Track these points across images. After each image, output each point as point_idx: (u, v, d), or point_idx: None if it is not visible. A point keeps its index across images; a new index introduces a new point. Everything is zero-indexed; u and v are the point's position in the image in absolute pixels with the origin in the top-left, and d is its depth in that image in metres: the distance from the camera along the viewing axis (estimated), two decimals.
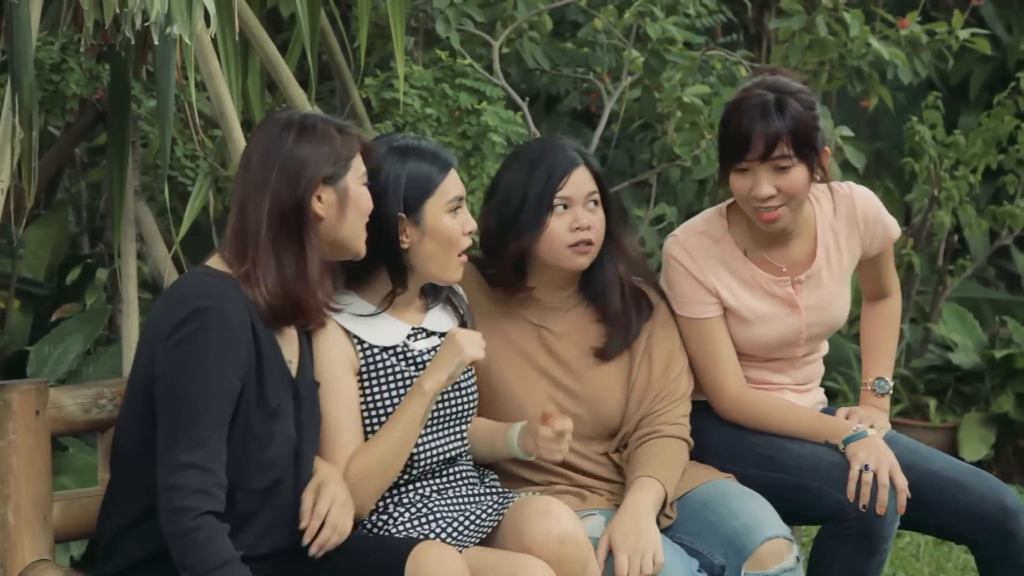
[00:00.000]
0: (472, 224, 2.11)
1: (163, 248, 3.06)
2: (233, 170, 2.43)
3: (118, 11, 1.97)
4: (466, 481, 2.15)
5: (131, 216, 3.01)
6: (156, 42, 2.45)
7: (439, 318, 2.16)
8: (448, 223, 2.03)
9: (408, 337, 2.09)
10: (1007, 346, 4.75)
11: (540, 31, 3.96)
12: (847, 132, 3.79)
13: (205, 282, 1.85)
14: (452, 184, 2.06)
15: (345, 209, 1.90)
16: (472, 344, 1.94)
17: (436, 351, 2.04)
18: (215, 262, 1.89)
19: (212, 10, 2.05)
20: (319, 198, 1.86)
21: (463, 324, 2.15)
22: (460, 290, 2.23)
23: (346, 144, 1.91)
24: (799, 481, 2.31)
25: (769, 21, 4.84)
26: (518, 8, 3.73)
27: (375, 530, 2.03)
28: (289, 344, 1.92)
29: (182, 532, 1.65)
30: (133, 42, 2.45)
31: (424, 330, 2.12)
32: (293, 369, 1.91)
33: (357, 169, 1.92)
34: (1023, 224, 4.62)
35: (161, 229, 3.11)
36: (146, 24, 2.01)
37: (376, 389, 2.05)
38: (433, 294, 2.17)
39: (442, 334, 2.09)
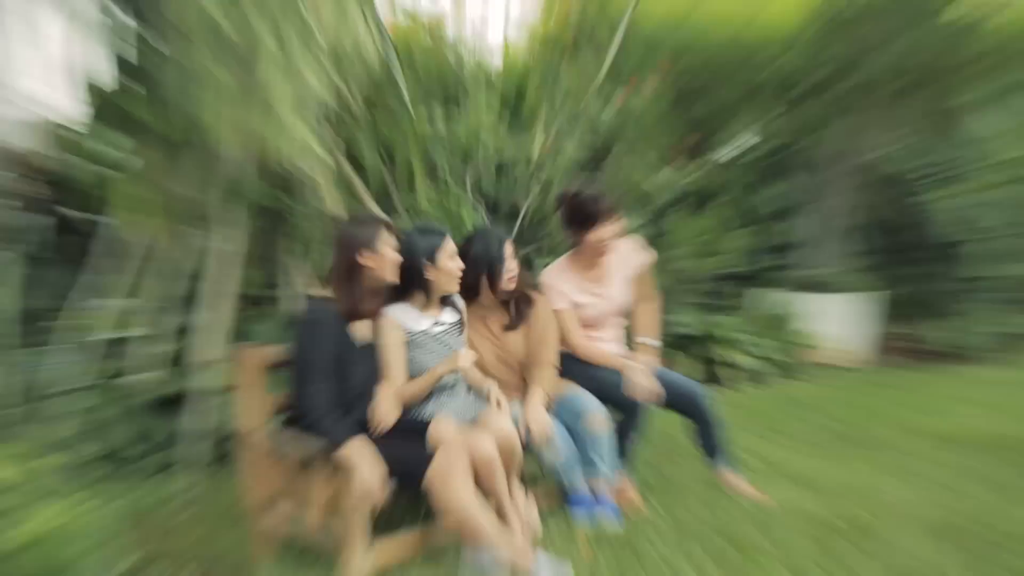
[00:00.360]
0: (461, 265, 3.62)
1: (306, 280, 4.72)
2: None
3: (283, 162, 2.93)
4: (460, 395, 3.68)
5: (290, 263, 4.70)
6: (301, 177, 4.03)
7: (447, 314, 3.69)
8: (449, 264, 3.57)
9: (432, 325, 3.62)
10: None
11: (490, 170, 5.80)
12: None
13: (314, 305, 3.36)
14: (449, 245, 3.58)
15: (379, 261, 3.37)
16: (463, 359, 3.50)
17: (446, 331, 3.63)
18: (325, 292, 3.40)
19: (325, 155, 3.14)
20: (364, 256, 3.34)
21: (460, 317, 3.74)
22: (459, 299, 3.76)
23: (374, 227, 3.38)
24: (606, 386, 3.95)
25: None
26: (481, 155, 5.68)
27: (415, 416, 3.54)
28: (362, 329, 3.42)
29: (316, 420, 3.20)
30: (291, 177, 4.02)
31: (439, 321, 3.65)
32: (365, 341, 3.44)
33: (384, 239, 3.37)
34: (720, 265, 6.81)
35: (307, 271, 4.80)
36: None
37: (414, 352, 3.58)
38: (445, 301, 3.69)
39: (451, 323, 3.67)
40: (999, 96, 7.82)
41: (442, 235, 3.60)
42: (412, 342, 3.58)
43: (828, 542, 3.55)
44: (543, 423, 3.63)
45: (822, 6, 6.85)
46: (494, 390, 3.57)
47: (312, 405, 3.23)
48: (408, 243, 3.53)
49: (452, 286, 3.62)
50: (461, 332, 3.75)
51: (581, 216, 3.96)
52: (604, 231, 3.94)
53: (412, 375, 3.57)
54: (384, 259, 3.37)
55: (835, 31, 6.88)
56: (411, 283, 3.55)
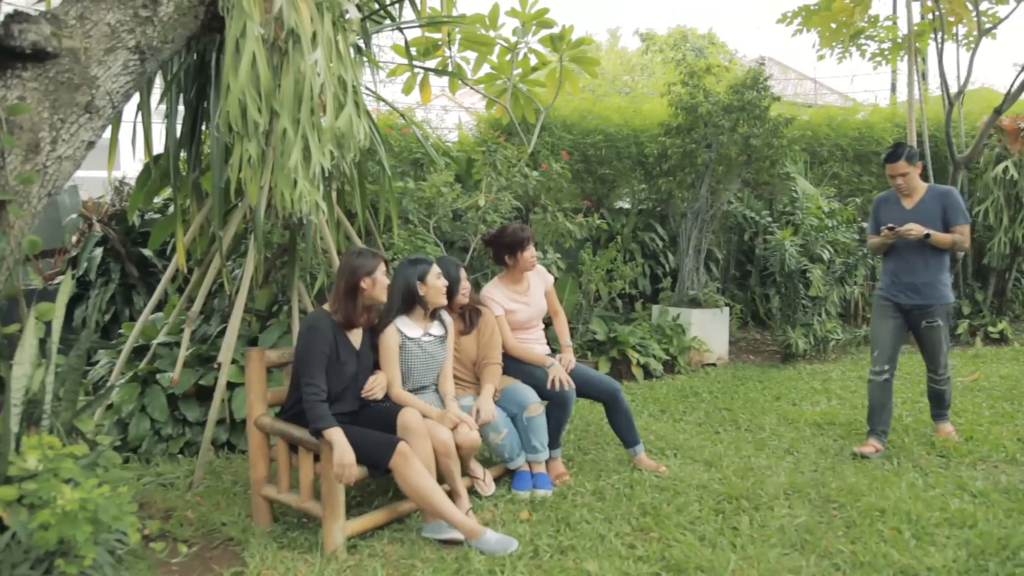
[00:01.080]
0: (446, 283, 3.66)
1: (307, 298, 4.65)
2: (334, 270, 3.97)
3: (291, 211, 2.97)
4: (428, 395, 3.67)
5: (295, 286, 4.53)
6: (304, 221, 4.23)
7: (436, 328, 3.70)
8: (437, 283, 3.60)
9: (422, 335, 3.62)
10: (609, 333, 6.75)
11: (448, 217, 6.01)
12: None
13: (315, 314, 3.37)
14: (435, 269, 3.63)
15: (374, 285, 3.35)
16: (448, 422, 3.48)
17: (431, 342, 3.63)
18: (326, 305, 3.42)
19: (324, 207, 3.14)
20: (365, 281, 3.33)
21: (446, 332, 3.73)
22: (447, 317, 3.76)
23: (375, 260, 3.37)
24: (538, 381, 3.95)
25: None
26: (441, 205, 5.86)
27: (388, 403, 3.49)
28: (355, 337, 3.41)
29: (309, 406, 3.11)
30: (298, 221, 4.27)
31: (428, 333, 3.65)
32: (357, 345, 3.41)
33: (381, 269, 3.37)
34: (619, 287, 6.86)
35: (307, 291, 4.72)
36: (301, 216, 3.37)
37: (404, 355, 3.55)
38: (435, 316, 3.70)
39: (437, 335, 3.67)
40: (804, 168, 8.25)
41: (430, 263, 3.64)
42: (404, 346, 3.55)
43: (728, 512, 3.46)
44: (490, 412, 3.67)
45: (688, 104, 7.15)
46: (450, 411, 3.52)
47: (307, 393, 3.13)
48: (404, 270, 3.60)
49: (440, 300, 3.63)
50: (443, 343, 3.70)
51: (512, 243, 4.10)
52: (528, 252, 4.10)
53: (402, 371, 3.55)
54: (378, 284, 3.37)
55: (696, 121, 7.17)
56: (410, 300, 3.58)
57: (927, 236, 4.29)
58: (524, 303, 4.19)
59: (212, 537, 3.30)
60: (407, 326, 3.59)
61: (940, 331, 4.46)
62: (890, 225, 4.37)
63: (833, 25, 8.93)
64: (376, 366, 3.56)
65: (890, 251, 4.54)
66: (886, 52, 9.39)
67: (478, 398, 3.73)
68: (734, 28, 55.32)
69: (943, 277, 4.42)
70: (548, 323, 4.49)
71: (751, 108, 7.00)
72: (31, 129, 2.58)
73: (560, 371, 3.96)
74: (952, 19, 8.47)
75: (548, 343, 4.38)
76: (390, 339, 3.52)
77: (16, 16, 2.53)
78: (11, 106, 2.52)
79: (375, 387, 3.43)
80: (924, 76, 10.24)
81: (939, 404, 4.71)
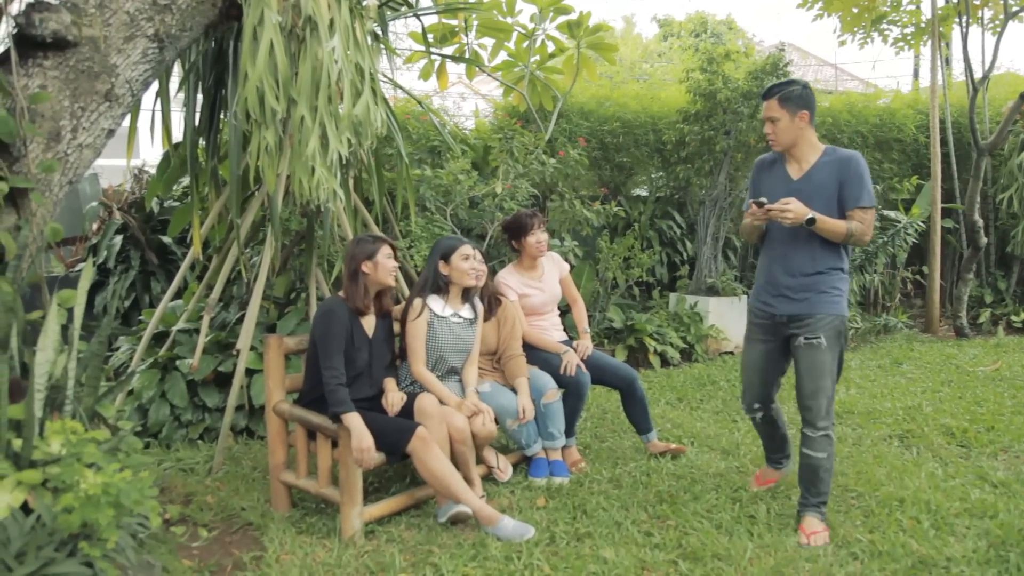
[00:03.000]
0: (473, 265, 3.61)
1: (325, 285, 4.66)
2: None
3: (308, 198, 3.04)
4: (449, 382, 3.62)
5: (313, 273, 4.58)
6: (321, 208, 4.28)
7: (467, 311, 3.67)
8: (462, 264, 3.59)
9: (451, 315, 3.60)
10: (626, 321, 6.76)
11: (464, 204, 5.87)
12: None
13: (331, 300, 3.36)
14: (464, 249, 3.62)
15: (376, 269, 3.34)
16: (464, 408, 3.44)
17: (460, 324, 3.60)
18: (341, 292, 3.41)
19: (341, 195, 3.14)
20: (365, 265, 3.33)
21: (475, 316, 3.69)
22: (479, 302, 3.74)
23: (375, 244, 3.36)
24: (554, 368, 3.91)
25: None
26: (458, 193, 5.70)
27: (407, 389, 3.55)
28: (368, 325, 3.40)
29: (330, 390, 3.13)
30: (316, 208, 4.35)
31: (458, 314, 3.62)
32: (370, 333, 3.40)
33: (383, 252, 3.34)
34: (637, 275, 6.89)
35: (325, 279, 4.72)
36: (319, 203, 3.46)
37: (433, 333, 3.55)
38: (467, 297, 3.69)
39: (466, 318, 3.64)
40: None
41: (460, 242, 3.62)
42: (432, 324, 3.55)
43: (745, 501, 3.43)
44: (532, 410, 3.68)
45: (706, 90, 7.09)
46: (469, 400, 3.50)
47: (327, 376, 3.15)
48: (434, 249, 3.66)
49: (466, 280, 3.59)
50: (471, 326, 3.67)
51: (516, 228, 4.12)
52: (532, 237, 4.09)
53: (428, 350, 3.54)
54: (380, 267, 3.34)
55: (715, 107, 7.11)
56: (434, 279, 3.61)
57: (810, 221, 2.99)
58: (538, 288, 4.18)
59: (231, 522, 3.33)
60: (437, 304, 3.60)
61: (822, 354, 3.06)
62: (761, 199, 3.08)
63: (855, 10, 8.82)
64: (392, 356, 3.57)
65: (765, 238, 3.30)
66: (909, 37, 9.26)
67: (519, 395, 3.70)
68: (753, 13, 54.72)
69: (835, 280, 3.12)
70: (566, 311, 4.48)
71: None
72: (52, 118, 2.60)
73: (573, 357, 3.96)
74: (977, 2, 8.34)
75: (566, 330, 4.38)
76: (417, 319, 3.52)
77: (37, 5, 2.55)
78: (33, 95, 2.54)
79: (391, 405, 3.35)
80: (948, 61, 10.09)
81: (810, 483, 3.14)
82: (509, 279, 4.15)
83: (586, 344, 4.17)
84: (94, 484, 2.13)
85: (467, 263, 3.58)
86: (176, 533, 3.15)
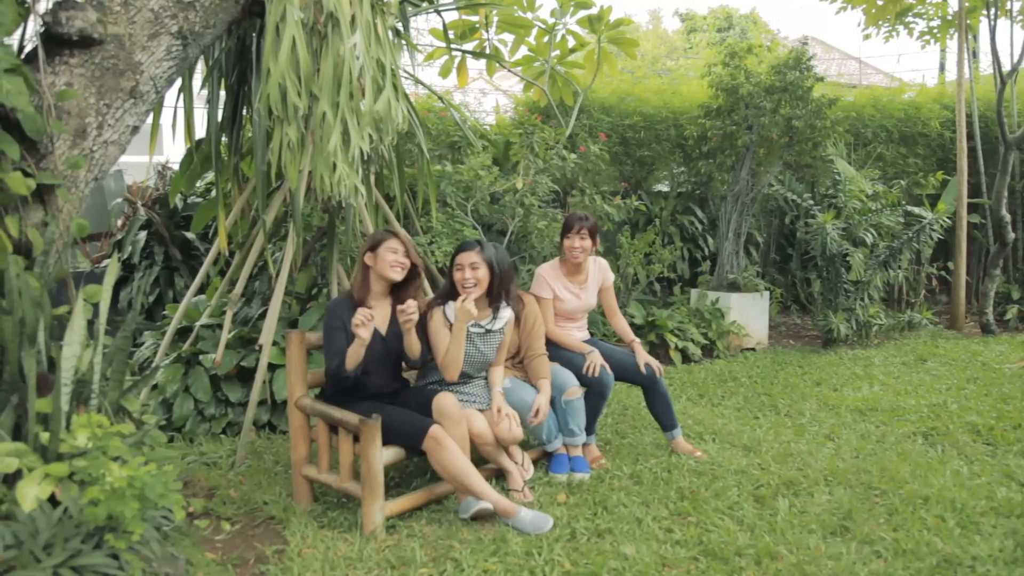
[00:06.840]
0: (469, 276, 3.48)
1: (346, 281, 4.62)
2: None
3: (330, 194, 3.03)
4: (475, 382, 3.60)
5: (335, 269, 4.61)
6: (343, 204, 4.37)
7: (488, 321, 3.56)
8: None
9: (470, 324, 3.47)
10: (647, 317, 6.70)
11: (485, 200, 5.98)
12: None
13: (338, 296, 3.48)
14: (468, 257, 3.49)
15: (376, 261, 3.34)
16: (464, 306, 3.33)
17: (480, 333, 3.51)
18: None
19: (363, 191, 3.30)
20: (367, 256, 3.35)
21: (495, 326, 3.56)
22: (507, 312, 3.62)
23: (380, 235, 3.36)
24: (575, 366, 3.88)
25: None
26: (479, 188, 5.84)
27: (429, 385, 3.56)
28: (381, 317, 3.38)
29: (330, 377, 3.27)
30: (337, 204, 4.42)
31: (478, 324, 3.52)
32: (383, 327, 3.39)
33: (386, 245, 3.32)
34: (658, 271, 6.85)
35: (346, 274, 4.73)
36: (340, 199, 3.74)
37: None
38: (495, 306, 3.57)
39: (487, 328, 3.53)
40: (848, 150, 8.05)
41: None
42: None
43: (766, 498, 3.41)
44: (547, 411, 3.63)
45: (728, 85, 7.04)
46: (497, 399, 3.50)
47: (328, 369, 3.23)
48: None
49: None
50: (491, 336, 3.58)
51: (565, 226, 4.05)
52: (570, 239, 4.00)
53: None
54: (380, 260, 3.32)
55: (737, 102, 7.06)
56: (455, 287, 3.51)
57: None
58: (575, 295, 4.12)
59: (254, 515, 3.35)
60: (454, 311, 3.48)
61: None
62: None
63: (880, 2, 8.69)
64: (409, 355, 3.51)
65: None
66: (935, 30, 9.12)
67: (537, 396, 3.64)
68: (777, 7, 54.17)
69: None
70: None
71: (793, 89, 6.88)
72: (78, 115, 2.63)
73: (597, 358, 3.91)
74: None
75: (589, 327, 4.36)
76: (436, 320, 3.47)
77: (63, 3, 2.58)
78: (59, 92, 2.57)
79: (408, 311, 3.20)
80: (975, 54, 9.93)
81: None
82: (550, 277, 4.08)
83: (642, 355, 4.09)
84: (120, 477, 2.15)
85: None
86: (200, 526, 3.18)
